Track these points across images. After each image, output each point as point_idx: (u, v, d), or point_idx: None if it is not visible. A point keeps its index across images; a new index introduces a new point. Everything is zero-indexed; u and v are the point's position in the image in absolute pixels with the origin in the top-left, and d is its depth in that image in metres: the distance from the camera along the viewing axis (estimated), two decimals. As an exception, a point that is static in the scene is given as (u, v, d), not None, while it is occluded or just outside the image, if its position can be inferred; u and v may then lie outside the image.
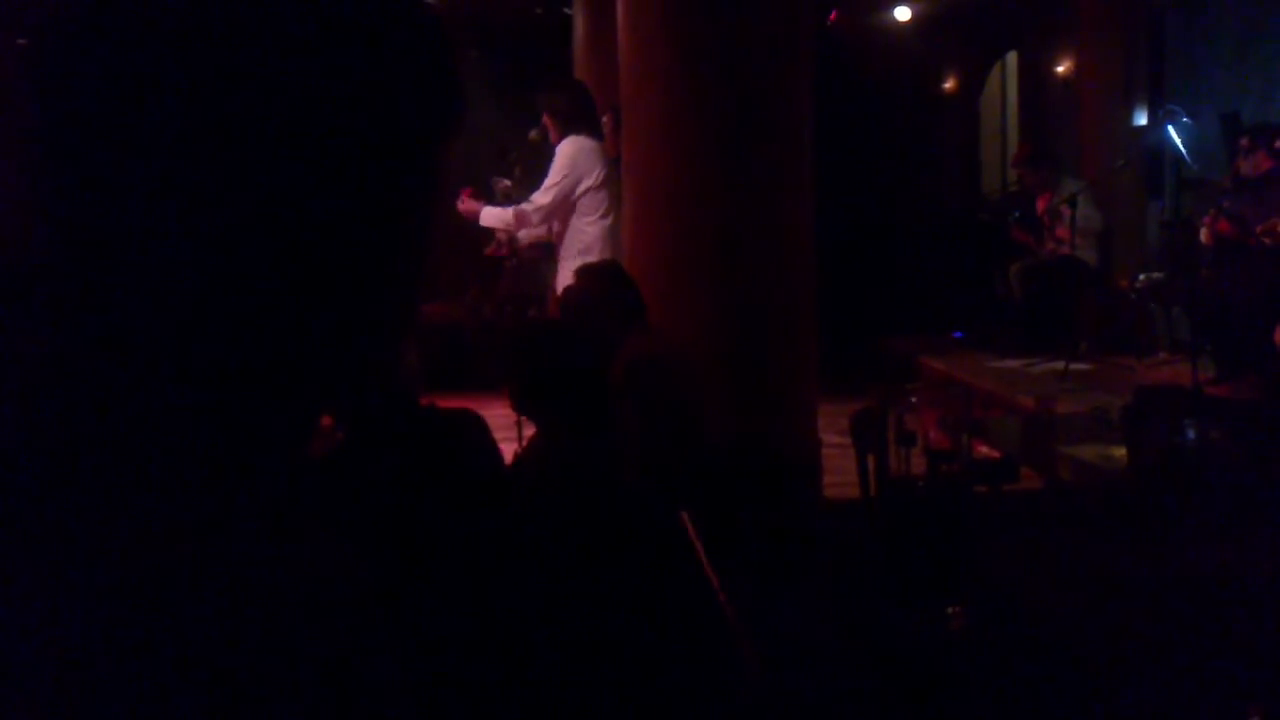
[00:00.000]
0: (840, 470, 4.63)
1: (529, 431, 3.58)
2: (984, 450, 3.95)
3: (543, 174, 6.02)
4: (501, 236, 6.31)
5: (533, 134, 6.15)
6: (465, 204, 5.89)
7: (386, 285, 0.72)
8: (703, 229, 4.51)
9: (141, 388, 0.63)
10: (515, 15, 11.03)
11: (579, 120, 5.88)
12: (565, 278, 5.24)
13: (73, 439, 0.61)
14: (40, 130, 0.64)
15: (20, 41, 0.64)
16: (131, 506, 0.60)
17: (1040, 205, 8.86)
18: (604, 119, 6.36)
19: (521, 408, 3.33)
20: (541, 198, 5.72)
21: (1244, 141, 7.36)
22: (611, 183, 5.71)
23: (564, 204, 5.68)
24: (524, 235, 6.19)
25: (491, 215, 5.87)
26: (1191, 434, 3.43)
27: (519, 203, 6.03)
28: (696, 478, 3.38)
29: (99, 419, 0.62)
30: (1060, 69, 11.14)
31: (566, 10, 9.87)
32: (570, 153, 5.71)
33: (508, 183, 6.20)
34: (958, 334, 9.66)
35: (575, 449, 3.09)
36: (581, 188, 5.70)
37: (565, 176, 5.68)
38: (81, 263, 0.64)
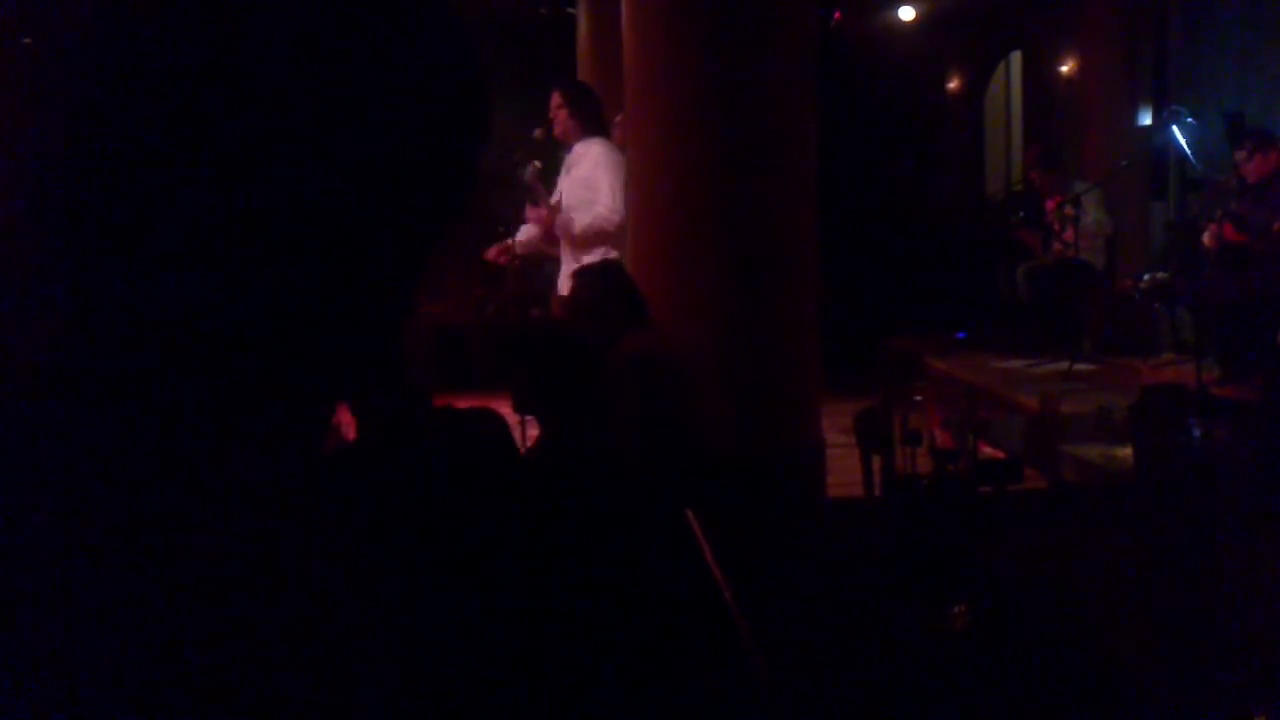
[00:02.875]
0: (843, 470, 4.62)
1: (533, 431, 3.58)
2: (988, 450, 3.95)
3: (552, 171, 6.02)
4: (512, 245, 6.27)
5: (538, 132, 6.14)
6: (546, 220, 5.85)
7: (399, 277, 0.72)
8: (706, 229, 4.51)
9: (146, 382, 0.63)
10: (519, 14, 11.03)
11: (597, 121, 5.89)
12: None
13: (76, 432, 0.61)
14: (47, 130, 0.64)
15: (25, 41, 0.64)
16: (137, 499, 0.59)
17: (1049, 207, 8.85)
18: (618, 118, 6.37)
19: (524, 407, 3.33)
20: (613, 201, 5.65)
21: (1245, 146, 7.36)
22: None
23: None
24: (523, 247, 6.18)
25: (569, 225, 5.78)
26: (1197, 433, 3.43)
27: (542, 180, 6.02)
28: (699, 476, 3.38)
29: (104, 412, 0.62)
30: (1064, 69, 11.13)
31: (570, 9, 9.87)
32: (610, 154, 5.72)
33: (538, 164, 6.18)
34: (960, 334, 9.66)
35: (579, 448, 3.09)
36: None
37: (617, 177, 5.67)
38: (86, 261, 0.64)
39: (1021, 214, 9.47)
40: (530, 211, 5.95)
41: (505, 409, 3.47)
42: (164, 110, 0.62)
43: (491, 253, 6.31)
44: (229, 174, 0.63)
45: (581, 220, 5.74)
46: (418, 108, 0.69)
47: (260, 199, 0.64)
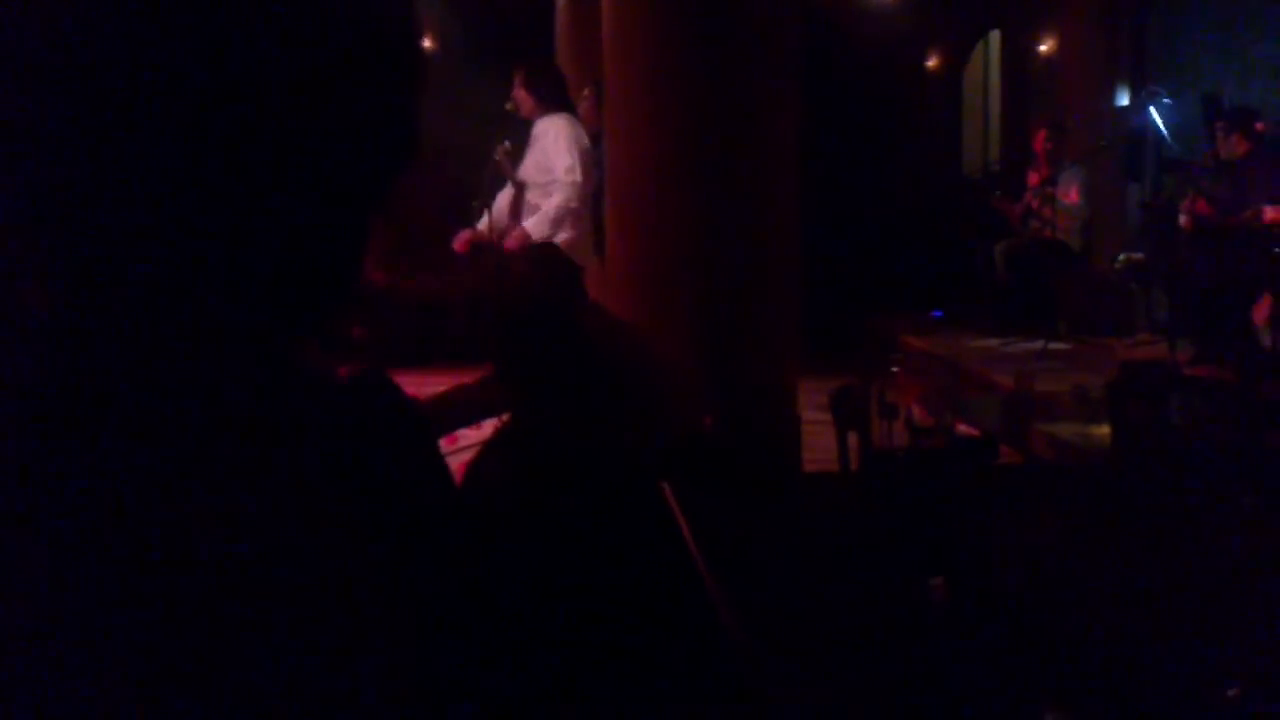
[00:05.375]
0: (819, 446, 4.63)
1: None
2: (964, 428, 3.96)
3: (525, 149, 6.01)
4: (484, 229, 6.24)
5: (509, 105, 6.13)
6: (511, 241, 5.79)
7: (339, 238, 0.71)
8: (685, 206, 4.50)
9: (94, 348, 0.62)
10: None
11: (558, 99, 5.89)
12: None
13: (56, 394, 0.60)
14: (40, 125, 0.63)
15: (24, 42, 0.63)
16: (106, 476, 0.58)
17: (1032, 182, 8.85)
18: (585, 92, 6.35)
19: (505, 381, 3.32)
20: (571, 176, 5.66)
21: (1221, 124, 7.38)
22: (590, 157, 5.73)
23: (591, 176, 5.68)
24: (498, 221, 6.17)
25: (540, 225, 5.76)
26: (1174, 411, 3.44)
27: (509, 158, 6.02)
28: (675, 452, 3.38)
29: (52, 378, 0.61)
30: (1043, 49, 11.15)
31: (549, -18, 9.83)
32: (566, 129, 5.73)
33: (507, 144, 6.19)
34: (936, 313, 9.69)
35: (552, 423, 3.09)
36: None
37: (574, 150, 5.68)
38: (39, 218, 0.63)
39: (998, 192, 9.48)
40: (510, 236, 5.89)
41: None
42: (109, 73, 0.62)
43: (459, 242, 6.29)
44: (174, 130, 0.63)
45: (539, 226, 5.75)
46: (352, 60, 0.68)
47: (205, 157, 0.63)
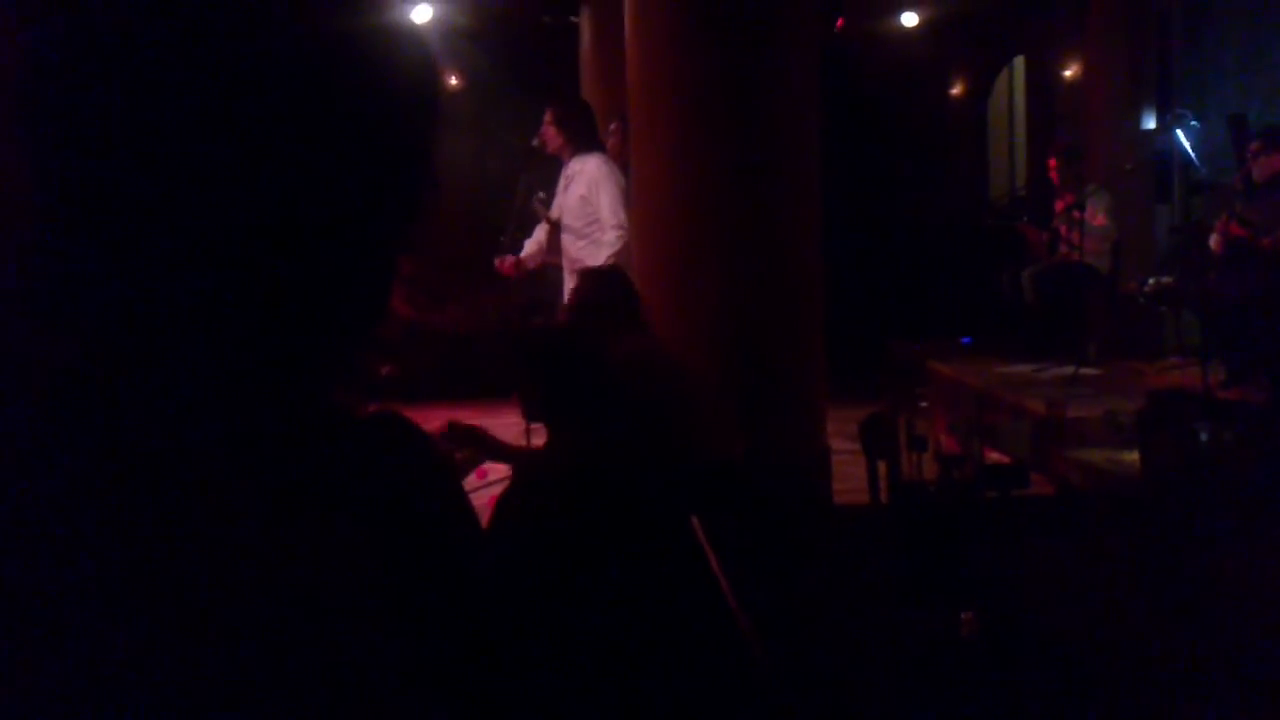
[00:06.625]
0: (850, 476, 4.61)
1: (539, 440, 3.57)
2: (994, 456, 3.93)
3: (552, 182, 6.03)
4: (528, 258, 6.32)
5: (536, 141, 6.15)
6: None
7: (361, 274, 0.71)
8: (711, 237, 4.50)
9: (134, 383, 0.63)
10: (522, 24, 11.04)
11: (590, 136, 5.90)
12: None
13: (71, 432, 0.61)
14: (40, 130, 0.64)
15: (22, 42, 0.64)
16: (130, 500, 0.59)
17: (1058, 208, 8.82)
18: (612, 126, 6.37)
19: (532, 415, 3.33)
20: (614, 218, 5.69)
21: (1255, 144, 7.32)
22: (626, 192, 5.75)
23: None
24: (532, 260, 6.21)
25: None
26: (1205, 437, 3.41)
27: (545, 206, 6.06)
28: (705, 482, 3.37)
29: (95, 413, 0.61)
30: (1068, 73, 11.12)
31: (573, 19, 9.88)
32: (602, 168, 5.75)
33: (542, 195, 6.23)
34: (965, 339, 9.62)
35: (586, 454, 3.09)
36: None
37: (613, 193, 5.70)
38: (79, 260, 0.64)
39: (1025, 218, 9.44)
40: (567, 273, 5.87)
41: (514, 417, 3.47)
42: (148, 112, 0.62)
43: (505, 266, 6.33)
44: (207, 172, 0.63)
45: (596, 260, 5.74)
46: (372, 100, 0.69)
47: (234, 193, 0.64)
